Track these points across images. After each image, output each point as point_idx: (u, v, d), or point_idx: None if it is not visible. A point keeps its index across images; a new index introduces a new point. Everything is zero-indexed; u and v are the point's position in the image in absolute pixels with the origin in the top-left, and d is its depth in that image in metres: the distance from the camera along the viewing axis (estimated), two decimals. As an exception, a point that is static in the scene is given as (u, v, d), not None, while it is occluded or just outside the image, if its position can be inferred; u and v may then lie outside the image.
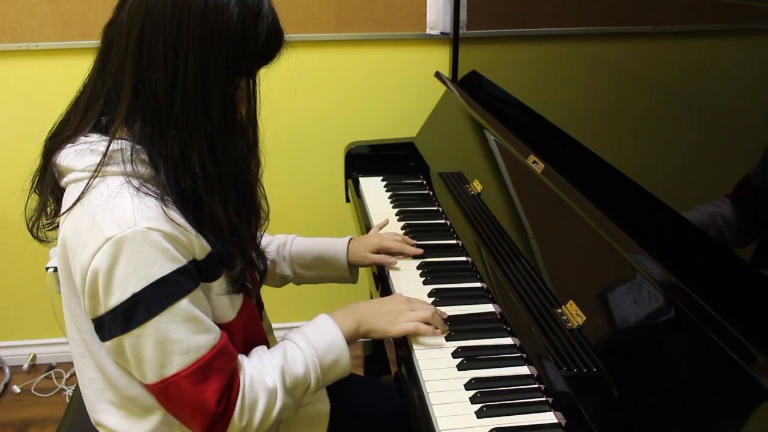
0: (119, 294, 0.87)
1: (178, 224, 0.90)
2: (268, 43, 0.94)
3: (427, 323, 1.12)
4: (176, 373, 0.90)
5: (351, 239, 1.39)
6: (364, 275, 1.46)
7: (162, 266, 0.88)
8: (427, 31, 2.07)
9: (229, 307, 1.01)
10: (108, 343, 0.92)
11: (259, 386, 0.96)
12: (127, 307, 0.87)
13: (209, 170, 0.92)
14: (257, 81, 0.96)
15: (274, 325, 1.30)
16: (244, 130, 0.99)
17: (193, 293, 0.91)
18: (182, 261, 0.90)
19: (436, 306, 1.18)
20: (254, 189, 1.04)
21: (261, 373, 0.98)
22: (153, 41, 0.88)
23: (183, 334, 0.90)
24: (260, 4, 0.92)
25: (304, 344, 1.02)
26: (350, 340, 1.06)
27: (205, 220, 0.95)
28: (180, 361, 0.90)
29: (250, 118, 0.99)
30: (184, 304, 0.90)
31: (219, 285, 0.98)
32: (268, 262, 1.33)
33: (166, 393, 0.92)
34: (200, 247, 0.94)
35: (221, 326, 0.99)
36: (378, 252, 1.38)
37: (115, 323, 0.89)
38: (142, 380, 0.94)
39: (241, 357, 0.99)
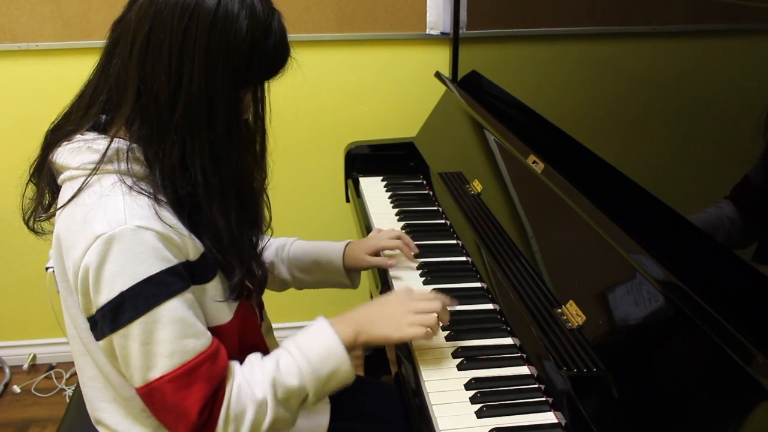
0: (107, 292, 0.86)
1: (169, 224, 0.89)
2: (275, 58, 0.93)
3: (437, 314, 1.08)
4: (160, 376, 0.88)
5: (349, 243, 1.36)
6: (365, 276, 1.45)
7: (150, 265, 0.87)
8: (427, 31, 2.07)
9: (226, 308, 0.99)
10: (101, 342, 0.91)
11: (248, 397, 0.93)
12: (114, 306, 0.86)
13: (210, 179, 0.91)
14: (265, 93, 0.96)
15: (274, 325, 1.29)
16: (251, 142, 0.98)
17: (182, 295, 0.90)
18: (173, 261, 0.89)
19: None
20: (257, 199, 1.02)
21: (251, 383, 0.94)
22: (159, 44, 0.87)
23: (169, 336, 0.88)
24: (270, 19, 0.91)
25: (298, 353, 0.98)
26: (350, 349, 1.01)
27: (203, 227, 0.94)
28: (164, 363, 0.88)
29: (258, 130, 0.98)
30: (171, 305, 0.88)
31: (214, 288, 0.97)
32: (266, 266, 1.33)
33: (152, 398, 0.90)
34: (193, 248, 0.93)
35: (217, 328, 0.98)
36: (377, 253, 1.35)
37: (104, 322, 0.88)
38: (131, 384, 0.93)
39: (232, 364, 0.96)
